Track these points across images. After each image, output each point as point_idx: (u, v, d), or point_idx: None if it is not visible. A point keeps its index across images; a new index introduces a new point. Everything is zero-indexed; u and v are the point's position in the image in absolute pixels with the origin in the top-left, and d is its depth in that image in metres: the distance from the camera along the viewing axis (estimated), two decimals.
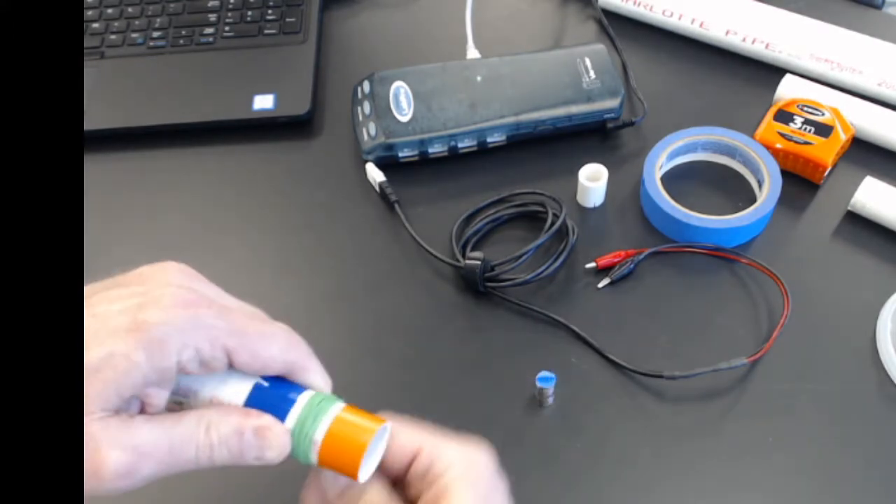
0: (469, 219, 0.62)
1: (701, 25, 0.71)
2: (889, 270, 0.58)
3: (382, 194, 0.63)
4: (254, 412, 0.34)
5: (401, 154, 0.64)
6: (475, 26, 0.71)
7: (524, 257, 0.57)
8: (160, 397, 0.33)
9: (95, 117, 0.68)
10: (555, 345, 0.56)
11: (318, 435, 0.34)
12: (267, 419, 0.34)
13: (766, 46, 0.69)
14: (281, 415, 0.34)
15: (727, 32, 0.70)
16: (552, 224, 0.58)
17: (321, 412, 0.34)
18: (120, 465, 0.30)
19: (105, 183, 0.65)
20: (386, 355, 0.56)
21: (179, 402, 0.35)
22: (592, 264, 0.59)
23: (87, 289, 0.34)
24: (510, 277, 0.57)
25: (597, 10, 0.75)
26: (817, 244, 0.60)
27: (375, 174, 0.63)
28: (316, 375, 0.36)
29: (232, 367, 0.34)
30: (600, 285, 0.58)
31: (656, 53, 0.73)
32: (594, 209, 0.63)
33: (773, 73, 0.68)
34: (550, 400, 0.53)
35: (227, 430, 0.33)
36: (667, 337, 0.56)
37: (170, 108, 0.69)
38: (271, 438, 0.33)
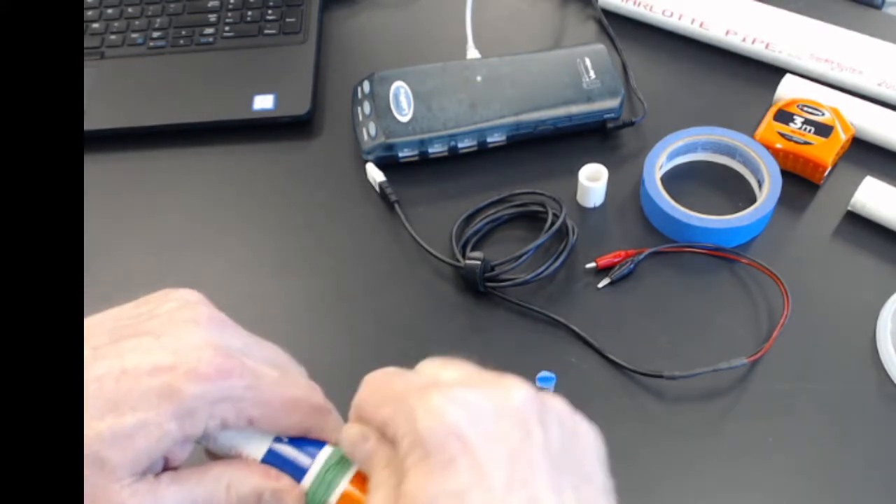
0: (469, 219, 0.62)
1: (701, 25, 0.71)
2: (889, 270, 0.58)
3: (382, 194, 0.63)
4: (273, 472, 0.34)
5: (401, 154, 0.64)
6: (475, 26, 0.71)
7: (524, 257, 0.57)
8: (183, 453, 0.33)
9: (95, 117, 0.68)
10: (555, 345, 0.56)
11: (333, 500, 0.34)
12: (285, 482, 0.34)
13: (766, 46, 0.69)
14: (298, 474, 0.35)
15: (727, 32, 0.70)
16: (552, 224, 0.58)
17: (337, 476, 0.35)
18: None
19: (105, 183, 0.65)
20: (386, 355, 0.56)
21: (198, 442, 0.35)
22: (592, 264, 0.59)
23: (109, 317, 0.33)
24: (510, 277, 0.57)
25: (597, 10, 0.75)
26: (817, 244, 0.60)
27: (375, 174, 0.63)
28: (332, 434, 0.36)
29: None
30: (600, 285, 0.58)
31: (656, 53, 0.73)
32: (594, 209, 0.63)
33: (773, 73, 0.68)
34: None
35: (246, 490, 0.34)
36: (667, 337, 0.56)
37: (170, 108, 0.69)
38: (288, 502, 0.34)
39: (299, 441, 0.36)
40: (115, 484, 0.31)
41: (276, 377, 0.35)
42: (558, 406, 0.33)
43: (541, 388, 0.51)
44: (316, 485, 0.35)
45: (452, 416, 0.29)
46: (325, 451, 0.36)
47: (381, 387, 0.33)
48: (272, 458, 0.35)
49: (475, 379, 0.33)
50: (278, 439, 0.35)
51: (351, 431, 0.34)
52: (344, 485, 0.35)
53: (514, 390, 0.31)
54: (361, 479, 0.35)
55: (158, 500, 0.32)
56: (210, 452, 0.36)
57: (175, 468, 0.34)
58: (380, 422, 0.32)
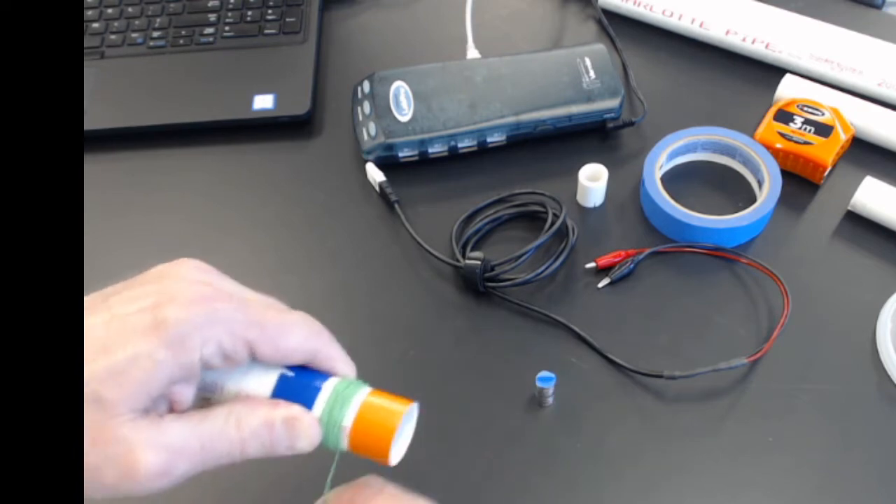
0: (469, 219, 0.62)
1: (701, 25, 0.71)
2: (889, 270, 0.58)
3: (382, 194, 0.63)
4: (282, 403, 0.34)
5: (401, 154, 0.64)
6: (475, 26, 0.71)
7: (524, 257, 0.57)
8: (187, 394, 0.33)
9: (95, 117, 0.68)
10: (555, 345, 0.56)
11: (347, 421, 0.34)
12: (295, 409, 0.34)
13: (766, 46, 0.69)
14: (308, 403, 0.34)
15: (727, 32, 0.70)
16: (552, 224, 0.58)
17: (348, 398, 0.34)
18: (155, 465, 0.31)
19: (105, 183, 0.65)
20: (386, 355, 0.56)
21: (207, 398, 0.35)
22: (592, 264, 0.59)
23: (105, 291, 0.34)
24: (510, 277, 0.57)
25: (597, 10, 0.75)
26: (817, 244, 0.60)
27: (375, 174, 0.63)
28: (339, 362, 0.36)
29: (255, 359, 0.34)
30: (600, 285, 0.58)
31: (656, 53, 0.73)
32: (594, 209, 0.63)
33: (773, 73, 0.68)
34: (550, 400, 0.53)
35: (256, 422, 0.33)
36: (667, 337, 0.56)
37: (170, 108, 0.69)
38: (301, 428, 0.34)
39: (306, 374, 0.35)
40: (116, 419, 0.31)
41: (266, 301, 0.35)
42: None
43: (541, 388, 0.52)
44: (328, 411, 0.34)
45: None
46: (334, 380, 0.35)
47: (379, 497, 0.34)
48: (280, 394, 0.35)
49: None
50: (284, 377, 0.35)
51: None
52: (357, 406, 0.34)
53: None
54: (374, 401, 0.35)
55: (164, 436, 0.31)
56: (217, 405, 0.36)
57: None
58: None
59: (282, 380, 0.35)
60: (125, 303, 0.32)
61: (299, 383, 0.35)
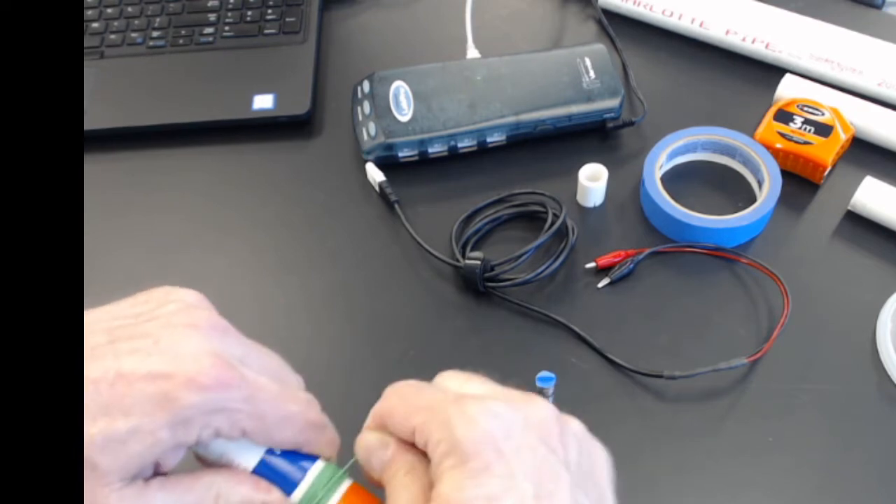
0: (469, 219, 0.62)
1: (701, 25, 0.71)
2: (889, 270, 0.58)
3: (382, 194, 0.63)
4: (263, 484, 0.34)
5: (401, 154, 0.64)
6: (475, 26, 0.71)
7: (524, 257, 0.57)
8: (174, 459, 0.33)
9: (95, 117, 0.68)
10: (555, 345, 0.56)
11: None
12: (275, 495, 0.34)
13: (766, 46, 0.69)
14: (289, 487, 0.35)
15: (727, 32, 0.70)
16: (552, 224, 0.58)
17: (328, 492, 0.34)
18: None
19: (105, 183, 0.65)
20: (386, 355, 0.56)
21: (189, 447, 0.35)
22: (592, 264, 0.59)
23: (111, 322, 0.33)
24: (510, 277, 0.57)
25: (597, 10, 0.75)
26: (817, 244, 0.60)
27: (375, 174, 0.63)
28: (325, 448, 0.36)
29: None
30: (600, 285, 0.58)
31: (656, 53, 0.73)
32: (594, 209, 0.63)
33: (773, 73, 0.68)
34: (550, 400, 0.53)
35: (235, 500, 0.33)
36: (667, 337, 0.56)
37: (170, 108, 0.69)
38: None
39: (291, 454, 0.35)
40: (105, 488, 0.30)
41: (274, 391, 0.35)
42: (576, 426, 0.34)
43: (541, 389, 0.51)
44: (307, 499, 0.34)
45: (487, 425, 0.30)
46: (317, 466, 0.35)
47: (408, 396, 0.33)
48: (263, 470, 0.35)
49: (501, 393, 0.33)
50: (270, 451, 0.35)
51: (369, 439, 0.34)
52: (335, 501, 0.34)
53: (538, 407, 0.32)
54: (353, 496, 0.35)
55: None
56: (200, 458, 0.35)
57: (164, 474, 0.33)
58: (409, 429, 0.32)
59: (267, 455, 0.35)
60: (136, 359, 0.31)
61: (284, 463, 0.35)
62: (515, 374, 0.53)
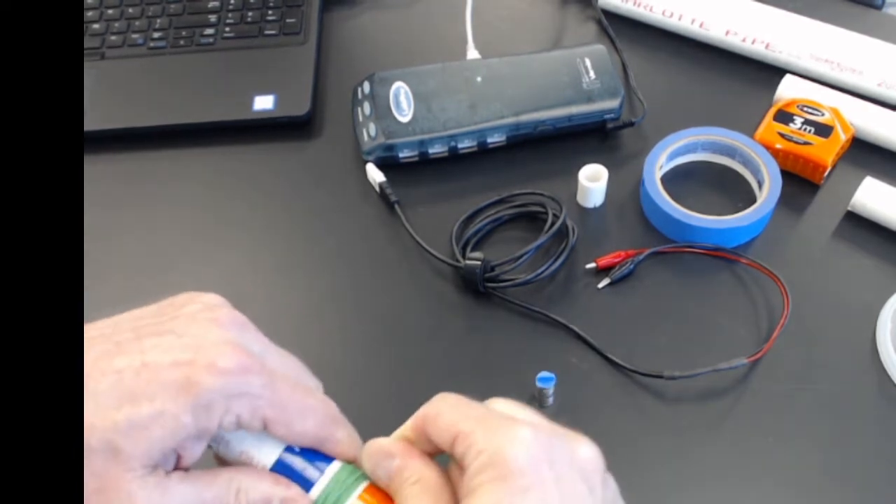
0: (469, 219, 0.62)
1: (701, 25, 0.71)
2: (889, 270, 0.58)
3: (382, 194, 0.63)
4: (283, 481, 0.35)
5: (401, 154, 0.64)
6: (475, 26, 0.71)
7: (524, 257, 0.57)
8: (197, 450, 0.33)
9: (95, 117, 0.68)
10: (555, 345, 0.56)
11: None
12: (294, 491, 0.34)
13: (766, 46, 0.69)
14: (307, 485, 0.35)
15: (727, 32, 0.70)
16: (552, 224, 0.58)
17: (346, 491, 0.35)
18: None
19: (105, 183, 0.65)
20: (386, 355, 0.56)
21: (210, 446, 0.35)
22: (592, 264, 0.59)
23: (136, 323, 0.34)
24: (510, 278, 0.57)
25: (597, 10, 0.75)
26: (817, 244, 0.60)
27: (375, 174, 0.63)
28: (344, 447, 0.36)
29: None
30: (600, 285, 0.58)
31: (656, 53, 0.73)
32: (594, 209, 0.63)
33: (773, 73, 0.68)
34: (550, 400, 0.53)
35: (255, 496, 0.34)
36: (667, 337, 0.56)
37: (170, 109, 0.69)
38: None
39: (310, 453, 0.36)
40: (127, 474, 0.31)
41: (293, 381, 0.35)
42: (613, 483, 0.35)
43: (541, 389, 0.51)
44: (324, 497, 0.35)
45: (535, 448, 0.30)
46: (336, 465, 0.36)
47: (459, 405, 0.34)
48: (282, 468, 0.35)
49: (550, 426, 0.33)
50: (289, 449, 0.35)
51: (373, 448, 0.34)
52: (353, 500, 0.35)
53: (585, 446, 0.33)
54: (371, 496, 0.35)
55: (167, 496, 0.32)
56: (220, 459, 0.36)
57: (186, 469, 0.34)
58: (452, 434, 0.32)
59: (286, 453, 0.35)
60: (159, 350, 0.32)
61: (302, 461, 0.35)
62: (515, 374, 0.54)
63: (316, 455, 0.36)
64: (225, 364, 0.32)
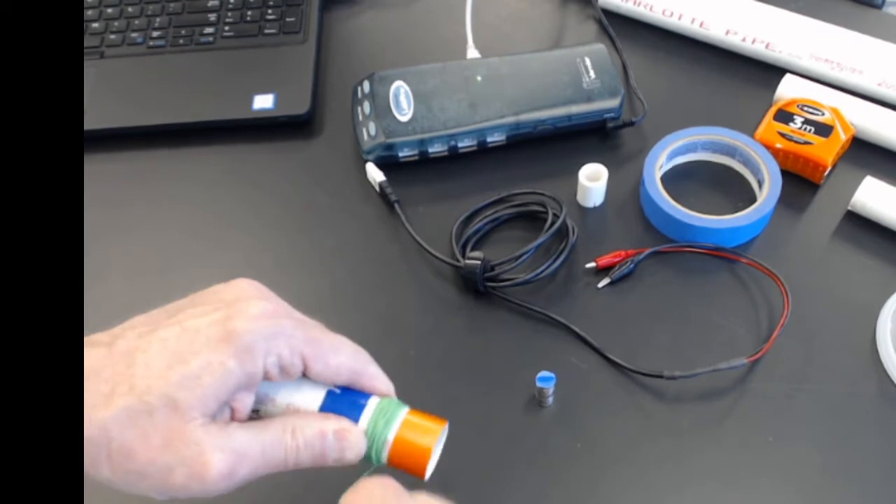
0: (469, 219, 0.62)
1: (701, 25, 0.71)
2: (889, 270, 0.58)
3: (382, 194, 0.63)
4: (332, 416, 0.37)
5: (401, 154, 0.64)
6: (475, 26, 0.71)
7: (524, 257, 0.57)
8: (247, 402, 0.36)
9: (95, 116, 0.68)
10: (555, 345, 0.56)
11: (390, 436, 0.37)
12: (345, 422, 0.37)
13: (766, 46, 0.69)
14: (354, 419, 0.37)
15: (727, 32, 0.70)
16: (552, 224, 0.58)
17: (391, 416, 0.37)
18: (223, 467, 0.33)
19: (105, 183, 0.65)
20: (386, 355, 0.56)
21: (257, 410, 0.37)
22: (592, 264, 0.59)
23: (167, 308, 0.36)
24: (510, 277, 0.57)
25: (597, 10, 0.75)
26: (817, 244, 0.60)
27: (375, 174, 0.63)
28: (380, 381, 0.39)
29: (305, 376, 0.37)
30: (600, 285, 0.58)
31: (656, 53, 0.73)
32: (594, 209, 0.63)
33: (773, 73, 0.68)
34: (550, 400, 0.53)
35: (310, 433, 0.36)
36: (667, 337, 0.56)
37: (169, 108, 0.69)
38: (350, 440, 0.36)
39: (350, 392, 0.38)
40: (190, 423, 0.33)
41: (320, 325, 0.38)
42: None
43: (541, 389, 0.52)
44: (372, 425, 0.37)
45: None
46: (375, 399, 0.38)
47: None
48: (328, 408, 0.37)
49: None
50: (331, 393, 0.37)
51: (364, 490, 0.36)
52: (398, 423, 0.37)
53: None
54: (413, 421, 0.37)
55: (231, 439, 0.34)
56: (268, 417, 0.38)
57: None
58: None
59: (329, 396, 0.38)
60: (195, 317, 0.35)
61: (345, 400, 0.38)
62: (515, 374, 0.54)
63: (356, 394, 0.38)
64: (256, 310, 0.35)
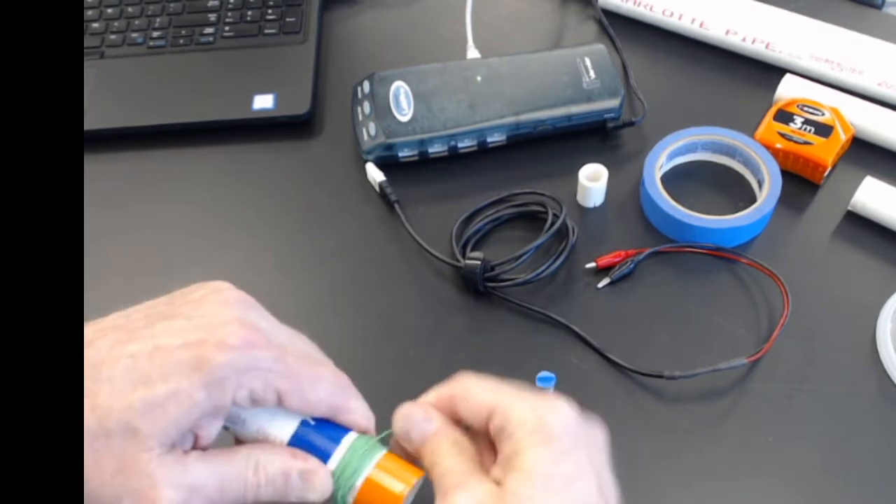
0: (469, 219, 0.62)
1: (701, 25, 0.71)
2: (889, 270, 0.58)
3: (382, 194, 0.63)
4: (300, 454, 0.35)
5: (401, 154, 0.64)
6: (475, 26, 0.71)
7: (524, 257, 0.57)
8: (213, 429, 0.34)
9: (95, 117, 0.68)
10: (555, 345, 0.56)
11: (358, 482, 0.35)
12: (312, 462, 0.35)
13: (766, 46, 0.69)
14: (324, 456, 0.35)
15: (727, 32, 0.70)
16: (552, 224, 0.58)
17: (364, 459, 0.35)
18: (173, 503, 0.32)
19: (105, 183, 0.65)
20: (386, 355, 0.56)
21: (226, 427, 0.36)
22: (592, 264, 0.59)
23: (148, 312, 0.35)
24: (510, 277, 0.57)
25: (597, 10, 0.75)
26: (817, 244, 0.60)
27: (375, 174, 0.63)
28: (359, 416, 0.37)
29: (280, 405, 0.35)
30: (600, 285, 0.58)
31: (656, 53, 0.73)
32: (594, 209, 0.63)
33: (773, 73, 0.68)
34: None
35: (273, 470, 0.34)
36: (667, 337, 0.56)
37: (170, 108, 0.69)
38: (315, 483, 0.35)
39: (325, 426, 0.36)
40: (145, 454, 0.31)
41: (302, 352, 0.37)
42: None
43: (541, 389, 0.51)
44: (342, 467, 0.35)
45: (571, 418, 0.35)
46: (351, 436, 0.36)
47: (486, 383, 0.36)
48: (299, 441, 0.36)
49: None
50: (305, 423, 0.36)
51: (412, 410, 0.36)
52: (370, 468, 0.35)
53: (599, 425, 0.37)
54: (389, 464, 0.36)
55: (186, 474, 0.32)
56: (238, 438, 0.37)
57: (203, 449, 0.34)
58: (487, 407, 0.35)
59: (303, 426, 0.36)
60: (170, 334, 0.33)
61: (320, 433, 0.36)
62: (515, 375, 0.54)
63: (332, 427, 0.36)
64: (234, 340, 0.33)
